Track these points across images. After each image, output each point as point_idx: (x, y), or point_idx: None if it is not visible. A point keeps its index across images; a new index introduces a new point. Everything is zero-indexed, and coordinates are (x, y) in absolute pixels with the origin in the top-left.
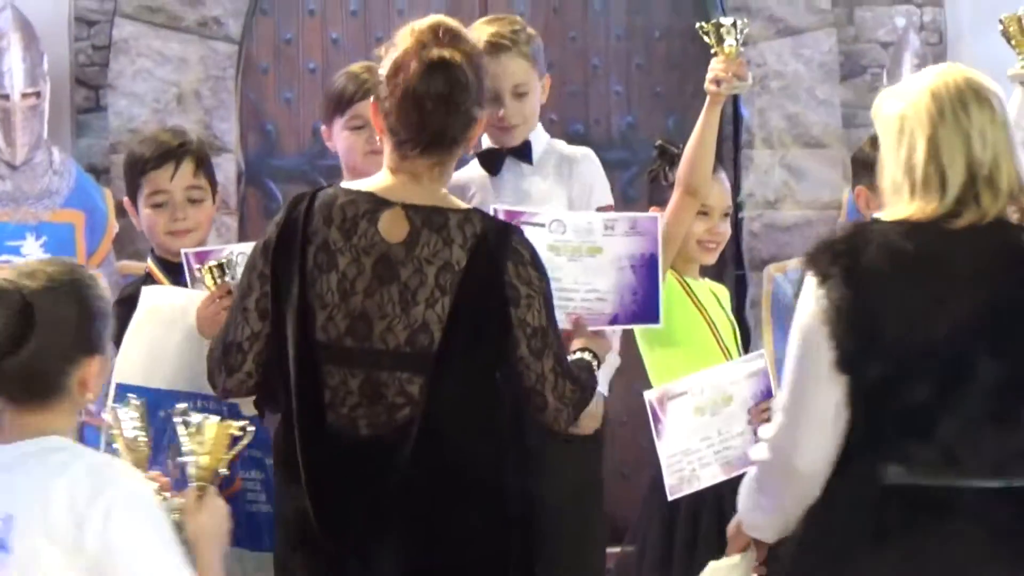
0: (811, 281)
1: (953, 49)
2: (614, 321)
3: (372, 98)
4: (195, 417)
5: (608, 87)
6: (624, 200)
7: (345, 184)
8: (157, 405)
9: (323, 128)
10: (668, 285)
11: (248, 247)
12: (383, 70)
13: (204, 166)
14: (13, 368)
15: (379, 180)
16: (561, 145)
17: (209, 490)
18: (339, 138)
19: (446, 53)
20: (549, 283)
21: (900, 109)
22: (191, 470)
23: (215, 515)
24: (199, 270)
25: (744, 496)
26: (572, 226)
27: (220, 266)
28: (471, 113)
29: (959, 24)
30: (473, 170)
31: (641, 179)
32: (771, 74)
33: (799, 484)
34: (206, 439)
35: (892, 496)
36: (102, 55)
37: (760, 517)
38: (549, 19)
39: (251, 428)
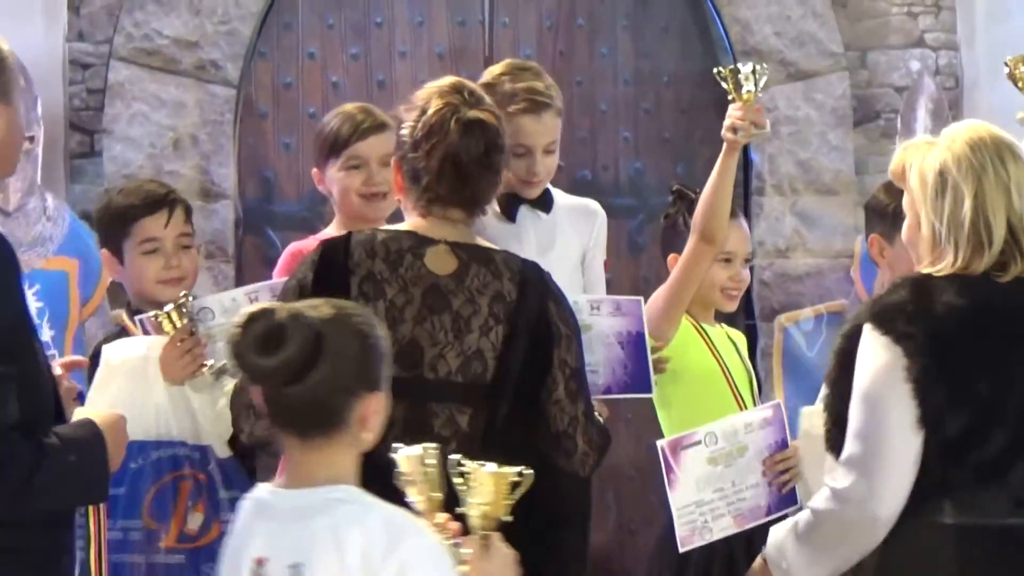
0: (881, 340)
1: (969, 94)
2: (607, 392)
3: (394, 158)
4: (469, 465)
5: (616, 133)
6: (631, 249)
7: (379, 227)
8: (128, 458)
9: (314, 171)
10: (683, 330)
11: (232, 294)
12: (410, 131)
13: (190, 215)
14: (298, 397)
15: (414, 223)
16: (559, 193)
17: (494, 538)
18: (333, 180)
19: (482, 115)
20: (579, 329)
21: (940, 162)
22: (474, 521)
23: (502, 563)
24: (155, 316)
25: (794, 552)
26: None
27: (178, 307)
28: (502, 170)
29: (975, 68)
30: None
31: (650, 226)
32: (782, 119)
33: (875, 532)
34: (486, 488)
35: (970, 537)
36: (97, 99)
37: (818, 570)
38: (556, 63)
39: (528, 472)
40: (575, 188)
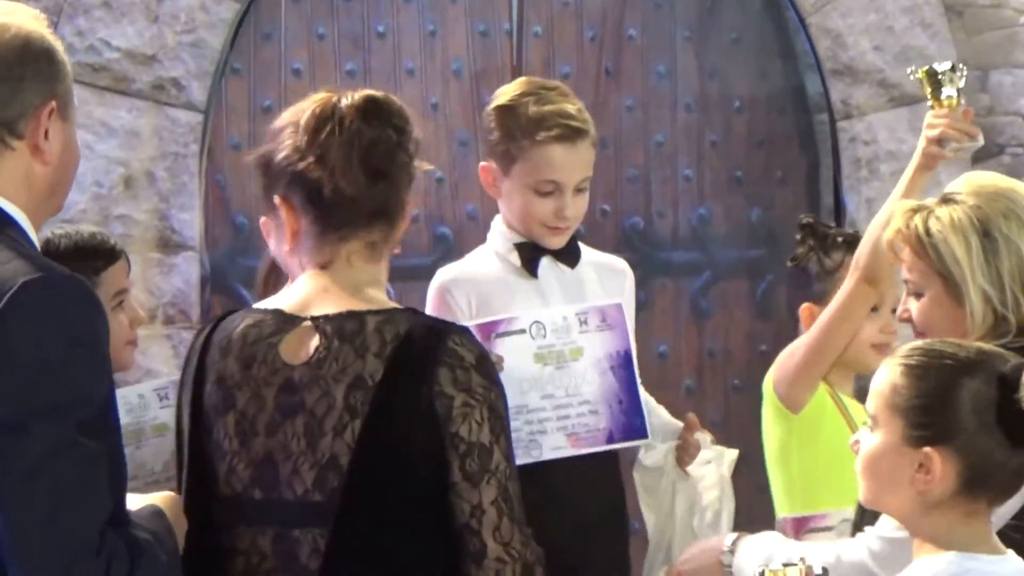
0: None
1: None
2: (609, 439)
3: (269, 203)
4: (773, 564)
5: (675, 171)
6: (694, 315)
7: (258, 304)
8: None
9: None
10: (819, 400)
11: (140, 388)
12: (291, 147)
13: (128, 269)
14: None
15: (291, 291)
16: (582, 246)
17: None
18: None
19: (376, 94)
20: (501, 394)
21: (978, 218)
22: None
23: None
24: None
25: None
26: (551, 326)
27: None
28: (413, 171)
29: None
30: (493, 266)
31: (718, 287)
32: (882, 154)
33: None
34: None
35: None
36: None
37: None
38: (601, 84)
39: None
40: (623, 239)
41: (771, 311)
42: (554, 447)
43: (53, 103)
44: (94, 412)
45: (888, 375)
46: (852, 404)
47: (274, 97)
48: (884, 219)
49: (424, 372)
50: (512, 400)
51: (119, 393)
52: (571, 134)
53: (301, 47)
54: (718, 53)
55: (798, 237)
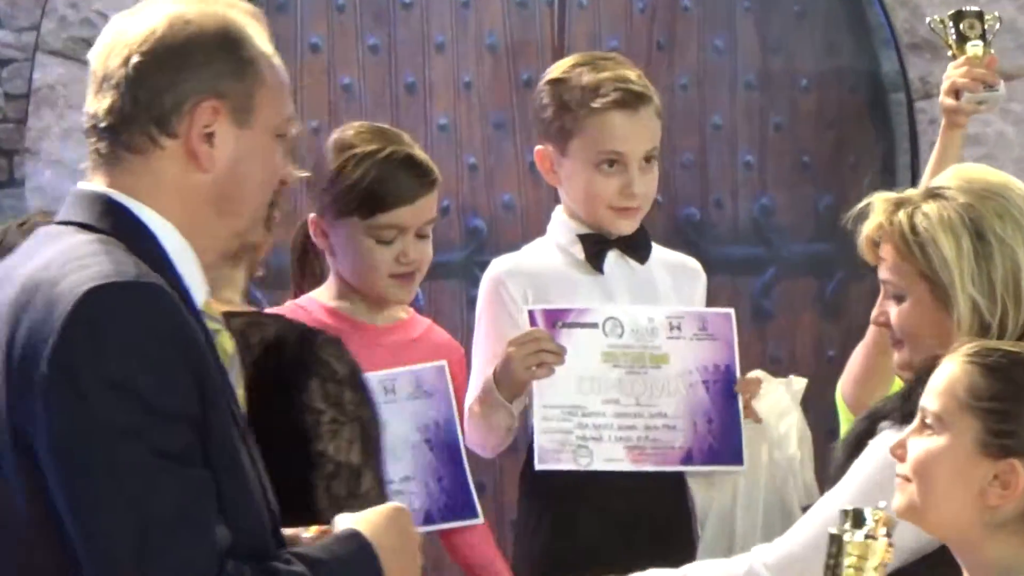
0: None
1: None
2: (687, 460)
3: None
4: (857, 535)
5: (735, 156)
6: (755, 317)
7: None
8: None
9: (312, 218)
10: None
11: None
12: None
13: None
14: None
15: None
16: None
17: None
18: (348, 243)
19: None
20: (374, 413)
21: (970, 218)
22: None
23: None
24: None
25: None
26: (631, 326)
27: None
28: None
29: None
30: (553, 259)
31: (782, 285)
32: (968, 138)
33: None
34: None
35: None
36: (18, 107)
37: None
38: (652, 58)
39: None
40: (677, 232)
41: (841, 312)
42: (608, 458)
43: (215, 102)
44: (180, 433)
45: (958, 373)
46: None
47: (289, 74)
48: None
49: (292, 384)
50: (564, 399)
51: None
52: (632, 99)
53: (319, 19)
54: (782, 25)
55: None
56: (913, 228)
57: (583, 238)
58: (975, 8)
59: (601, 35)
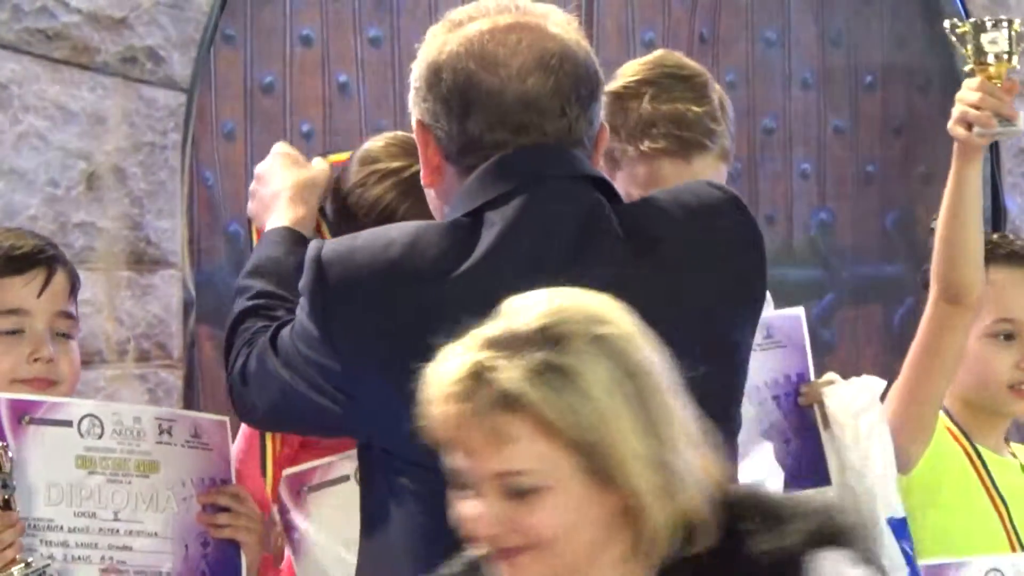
0: None
1: None
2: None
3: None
4: None
5: (789, 163)
6: (814, 347)
7: None
8: None
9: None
10: (938, 456)
11: (136, 410)
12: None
13: (77, 288)
14: None
15: None
16: None
17: None
18: None
19: None
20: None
21: None
22: None
23: None
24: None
25: None
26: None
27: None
28: None
29: None
30: None
31: (843, 311)
32: None
33: None
34: None
35: None
36: None
37: None
38: (694, 54)
39: None
40: None
41: (910, 343)
42: None
43: None
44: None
45: None
46: (997, 462)
47: (276, 72)
48: (948, 216)
49: None
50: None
51: (108, 409)
52: (683, 149)
53: (311, 8)
54: (843, 14)
55: (932, 246)
56: None
57: None
58: (1005, 18)
59: (635, 28)
